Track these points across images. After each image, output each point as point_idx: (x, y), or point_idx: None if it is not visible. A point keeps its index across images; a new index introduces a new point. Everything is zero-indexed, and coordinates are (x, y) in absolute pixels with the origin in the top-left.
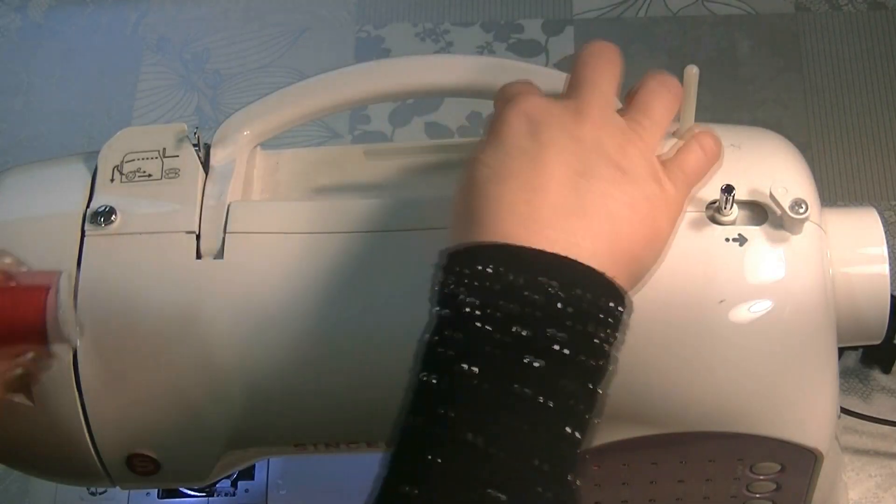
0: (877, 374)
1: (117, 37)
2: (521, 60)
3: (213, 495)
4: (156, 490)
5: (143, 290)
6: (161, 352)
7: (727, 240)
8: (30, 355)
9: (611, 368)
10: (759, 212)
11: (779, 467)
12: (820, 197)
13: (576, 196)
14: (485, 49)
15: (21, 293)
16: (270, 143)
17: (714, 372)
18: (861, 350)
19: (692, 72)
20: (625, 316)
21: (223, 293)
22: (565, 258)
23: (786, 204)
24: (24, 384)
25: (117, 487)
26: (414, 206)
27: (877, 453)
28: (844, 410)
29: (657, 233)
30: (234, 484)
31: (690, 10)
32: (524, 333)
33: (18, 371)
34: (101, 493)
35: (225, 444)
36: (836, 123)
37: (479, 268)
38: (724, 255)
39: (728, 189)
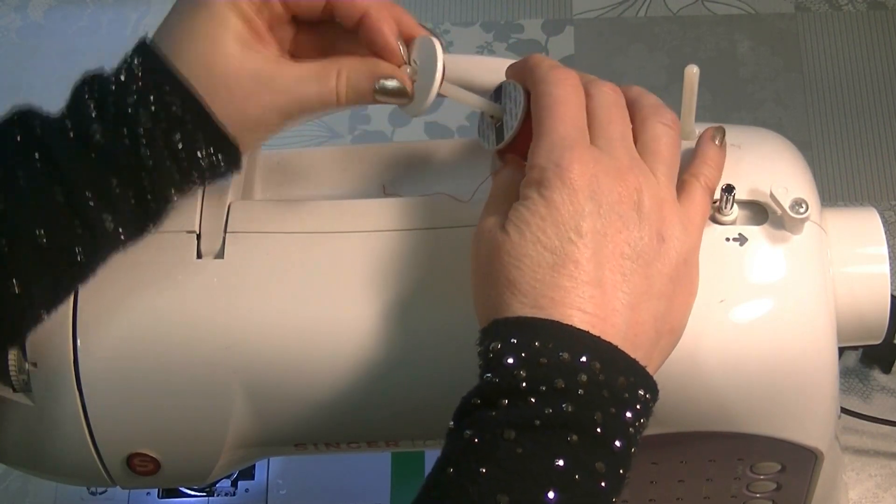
0: (877, 374)
1: (117, 37)
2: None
3: (213, 495)
4: (156, 490)
5: (143, 289)
6: (161, 351)
7: (727, 239)
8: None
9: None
10: (760, 212)
11: (779, 467)
12: (820, 197)
13: (623, 282)
14: (485, 49)
15: None
16: (270, 143)
17: (714, 372)
18: (861, 350)
19: (692, 72)
20: (652, 405)
21: (223, 293)
22: (611, 345)
23: (786, 204)
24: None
25: (117, 487)
26: (415, 206)
27: (877, 453)
28: (844, 410)
29: (692, 287)
30: (234, 484)
31: (690, 10)
32: (569, 409)
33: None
34: (101, 493)
35: (225, 444)
36: (836, 123)
37: (535, 343)
38: (724, 254)
39: (728, 189)
